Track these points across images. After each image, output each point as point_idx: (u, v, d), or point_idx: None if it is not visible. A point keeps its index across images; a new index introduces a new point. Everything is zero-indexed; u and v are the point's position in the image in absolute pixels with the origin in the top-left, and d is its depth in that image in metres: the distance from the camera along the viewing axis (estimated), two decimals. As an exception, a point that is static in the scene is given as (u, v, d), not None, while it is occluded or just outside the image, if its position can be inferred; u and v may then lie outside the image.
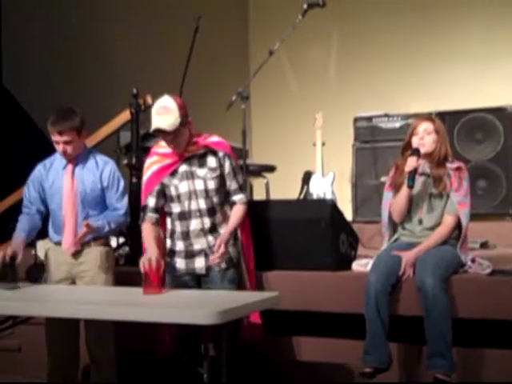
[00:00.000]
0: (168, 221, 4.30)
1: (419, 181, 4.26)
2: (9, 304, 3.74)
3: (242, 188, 4.24)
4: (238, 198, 4.21)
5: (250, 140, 6.12)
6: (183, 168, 4.17)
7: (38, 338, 4.55)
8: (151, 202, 4.22)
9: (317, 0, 5.49)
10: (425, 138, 4.25)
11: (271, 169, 6.40)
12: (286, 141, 8.39)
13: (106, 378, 4.36)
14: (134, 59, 7.67)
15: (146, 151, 5.30)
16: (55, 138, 4.29)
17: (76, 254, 4.36)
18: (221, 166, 4.16)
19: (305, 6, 5.46)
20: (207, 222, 4.16)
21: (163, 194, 4.22)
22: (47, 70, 7.16)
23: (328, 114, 6.59)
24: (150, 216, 4.22)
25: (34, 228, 4.40)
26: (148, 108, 5.43)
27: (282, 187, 6.29)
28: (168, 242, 4.29)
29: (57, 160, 4.45)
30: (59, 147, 4.31)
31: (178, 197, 4.18)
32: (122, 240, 5.36)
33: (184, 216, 4.19)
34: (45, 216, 4.48)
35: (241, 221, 4.20)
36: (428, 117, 4.43)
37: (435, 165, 4.26)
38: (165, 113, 4.01)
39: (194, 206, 4.16)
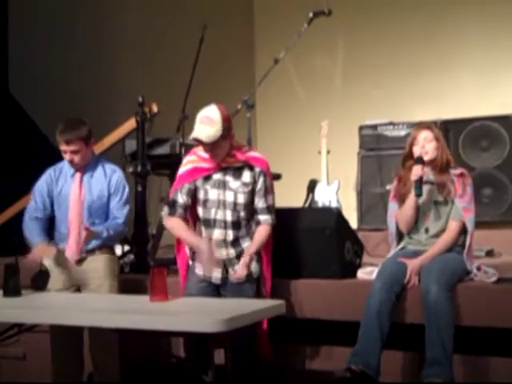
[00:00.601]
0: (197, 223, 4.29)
1: (424, 189, 4.26)
2: (14, 312, 3.74)
3: (269, 209, 4.19)
4: (264, 218, 4.18)
5: (255, 148, 6.11)
6: (217, 176, 4.16)
7: (42, 345, 4.55)
8: (181, 198, 4.19)
9: (322, 8, 5.50)
10: (426, 146, 4.26)
11: (276, 177, 6.36)
12: (291, 149, 8.39)
13: (110, 386, 4.37)
14: (140, 67, 7.68)
15: (152, 159, 5.35)
16: (62, 147, 4.34)
17: (80, 262, 4.38)
18: (255, 182, 4.15)
19: (310, 15, 5.46)
20: (230, 234, 4.15)
21: (193, 194, 4.20)
22: (53, 78, 7.18)
23: (333, 122, 6.60)
24: (181, 212, 4.20)
25: (45, 231, 4.44)
26: (153, 116, 5.45)
27: (287, 195, 6.25)
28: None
29: (65, 167, 4.48)
30: (66, 156, 4.37)
31: (205, 202, 4.17)
32: (127, 248, 5.36)
33: (209, 223, 4.18)
34: (52, 222, 4.51)
35: (265, 242, 4.18)
36: (426, 125, 4.45)
37: (438, 172, 4.28)
38: (207, 123, 4.01)
39: (220, 216, 4.15)
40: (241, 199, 4.14)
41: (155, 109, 5.47)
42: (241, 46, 9.27)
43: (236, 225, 4.16)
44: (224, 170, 4.16)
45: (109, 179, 4.44)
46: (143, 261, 5.17)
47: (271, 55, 5.43)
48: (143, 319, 3.43)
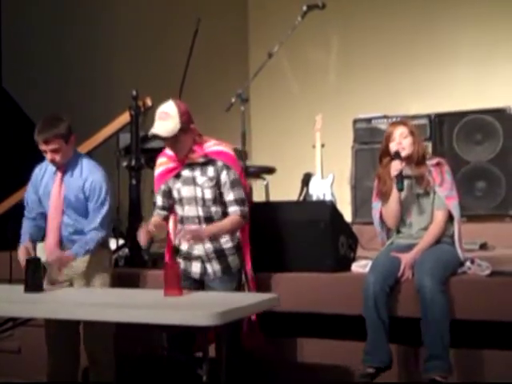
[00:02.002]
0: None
1: (404, 184, 4.27)
2: (8, 306, 3.74)
3: (238, 201, 4.13)
4: (232, 210, 4.13)
5: (249, 142, 6.10)
6: (186, 173, 4.16)
7: (37, 339, 4.55)
8: (159, 200, 4.26)
9: (316, 2, 5.50)
10: (402, 142, 4.27)
11: (271, 170, 6.40)
12: (286, 143, 8.39)
13: (104, 380, 4.36)
14: (135, 61, 7.67)
15: (146, 153, 5.35)
16: (42, 147, 4.26)
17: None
18: (218, 176, 4.13)
19: (304, 8, 5.46)
20: None
21: (170, 195, 4.23)
22: (47, 72, 7.17)
23: (327, 116, 6.59)
24: (159, 212, 4.26)
25: (38, 230, 4.41)
26: (147, 110, 5.45)
27: (282, 189, 6.29)
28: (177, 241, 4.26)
29: (50, 164, 4.42)
30: (47, 156, 4.28)
31: (181, 200, 4.19)
32: (121, 242, 5.36)
33: (184, 220, 4.20)
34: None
35: (229, 230, 4.15)
36: (401, 121, 4.49)
37: (415, 165, 4.30)
38: (165, 118, 4.01)
39: (193, 213, 4.16)
40: (208, 194, 4.13)
41: (149, 102, 5.47)
42: (235, 39, 9.26)
43: (209, 220, 4.14)
44: (191, 166, 4.15)
45: (83, 182, 4.32)
46: (138, 254, 5.17)
47: (265, 49, 5.42)
48: (136, 313, 3.43)
